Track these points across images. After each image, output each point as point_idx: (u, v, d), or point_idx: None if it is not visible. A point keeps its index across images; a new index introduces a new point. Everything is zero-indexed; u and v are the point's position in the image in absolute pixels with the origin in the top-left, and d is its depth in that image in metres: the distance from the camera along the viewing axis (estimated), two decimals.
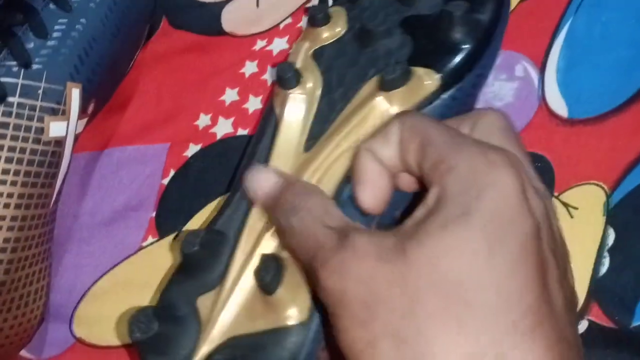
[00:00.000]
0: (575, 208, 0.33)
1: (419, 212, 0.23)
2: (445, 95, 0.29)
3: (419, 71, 0.28)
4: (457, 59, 0.30)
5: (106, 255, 0.35)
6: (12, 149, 0.29)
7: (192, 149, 0.37)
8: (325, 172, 0.28)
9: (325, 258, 0.23)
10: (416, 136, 0.24)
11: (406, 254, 0.22)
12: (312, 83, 0.31)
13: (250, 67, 0.38)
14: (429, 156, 0.24)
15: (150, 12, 0.37)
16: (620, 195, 0.33)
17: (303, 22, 0.38)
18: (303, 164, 0.29)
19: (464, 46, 0.29)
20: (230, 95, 0.37)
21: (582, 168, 0.34)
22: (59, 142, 0.31)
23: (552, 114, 0.35)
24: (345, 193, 0.27)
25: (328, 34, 0.32)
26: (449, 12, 0.29)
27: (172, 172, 0.36)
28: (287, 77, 0.30)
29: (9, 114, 0.29)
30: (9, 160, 0.29)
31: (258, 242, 0.28)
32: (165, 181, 0.36)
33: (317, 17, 0.32)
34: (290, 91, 0.30)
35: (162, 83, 0.38)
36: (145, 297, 0.34)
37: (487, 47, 0.30)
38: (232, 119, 0.37)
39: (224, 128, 0.37)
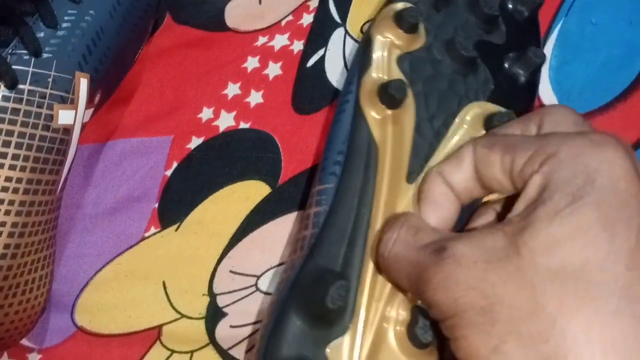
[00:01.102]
0: None
1: (520, 205, 0.22)
2: None
3: (513, 114, 0.29)
4: (528, 103, 0.31)
5: (109, 245, 0.36)
6: (22, 135, 0.29)
7: (195, 142, 0.37)
8: None
9: (428, 277, 0.22)
10: (496, 148, 0.24)
11: (518, 248, 0.20)
12: (409, 101, 0.28)
13: (252, 62, 0.38)
14: (519, 156, 0.23)
15: (155, 7, 0.38)
16: None
17: (304, 19, 0.39)
18: (414, 200, 0.27)
19: (530, 93, 0.32)
20: (232, 89, 0.38)
21: None
22: (67, 130, 0.32)
23: None
24: None
25: (412, 42, 0.30)
26: (533, 60, 0.31)
27: (174, 164, 0.37)
28: (399, 96, 0.27)
29: (20, 101, 0.29)
30: (19, 145, 0.29)
31: (377, 280, 0.26)
32: (168, 173, 0.37)
33: (411, 23, 0.29)
34: (392, 111, 0.28)
35: (165, 77, 0.39)
36: (147, 287, 0.35)
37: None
38: (234, 113, 0.37)
39: (226, 121, 0.37)
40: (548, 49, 0.37)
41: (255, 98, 0.37)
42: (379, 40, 0.30)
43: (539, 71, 0.32)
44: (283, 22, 0.39)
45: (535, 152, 0.22)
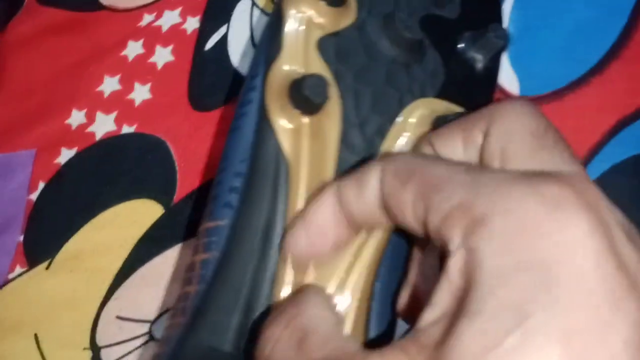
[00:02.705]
0: None
1: (441, 298, 0.16)
2: None
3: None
4: (486, 96, 0.26)
5: None
6: None
7: (65, 155, 0.31)
8: (369, 247, 0.21)
9: None
10: (410, 186, 0.17)
11: None
12: (332, 101, 0.22)
13: (134, 48, 0.32)
14: (437, 207, 0.16)
15: None
16: None
17: None
18: None
19: (489, 84, 0.26)
20: (110, 84, 0.31)
21: None
22: None
23: (502, 91, 0.30)
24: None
25: (338, 18, 0.23)
26: (493, 42, 0.25)
27: (41, 185, 0.31)
28: (318, 101, 0.21)
29: None
30: None
31: None
32: (34, 196, 0.31)
33: None
34: (309, 119, 0.22)
35: (27, 74, 0.32)
36: (15, 341, 0.29)
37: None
38: (114, 114, 0.31)
39: (104, 126, 0.31)
40: (505, 12, 0.31)
41: (140, 93, 0.31)
42: (292, 17, 0.22)
43: (501, 55, 0.26)
44: None
45: (459, 207, 0.15)
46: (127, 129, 0.31)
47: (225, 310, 0.20)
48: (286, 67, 0.22)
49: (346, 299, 0.21)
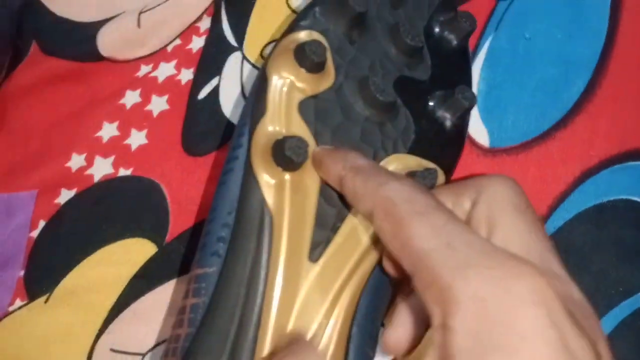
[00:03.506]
0: None
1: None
2: None
3: (439, 171, 0.25)
4: (455, 152, 0.27)
5: None
6: None
7: (65, 195, 0.32)
8: (347, 292, 0.23)
9: None
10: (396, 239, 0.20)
11: None
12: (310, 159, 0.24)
13: (131, 97, 0.33)
14: (419, 277, 0.19)
15: (9, 39, 0.32)
16: (548, 232, 0.30)
17: (194, 43, 0.33)
18: (318, 282, 0.23)
19: (458, 140, 0.28)
20: (108, 130, 0.32)
21: None
22: None
23: (473, 143, 0.31)
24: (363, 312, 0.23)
25: (318, 82, 0.24)
26: (461, 103, 0.26)
27: (42, 223, 0.31)
28: (299, 160, 0.22)
29: None
30: None
31: None
32: (35, 234, 0.31)
33: (315, 62, 0.24)
34: (290, 175, 0.23)
35: (30, 119, 0.33)
36: None
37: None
38: (111, 158, 0.32)
39: (102, 169, 0.32)
40: (475, 70, 0.32)
41: (137, 139, 0.32)
42: (275, 81, 0.24)
43: (468, 114, 0.28)
44: (169, 48, 0.33)
45: (436, 285, 0.18)
46: (123, 172, 0.32)
47: (213, 352, 0.22)
48: (270, 128, 0.24)
49: (325, 342, 0.23)
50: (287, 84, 0.24)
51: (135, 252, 0.30)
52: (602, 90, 0.32)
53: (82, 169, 0.32)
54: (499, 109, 0.32)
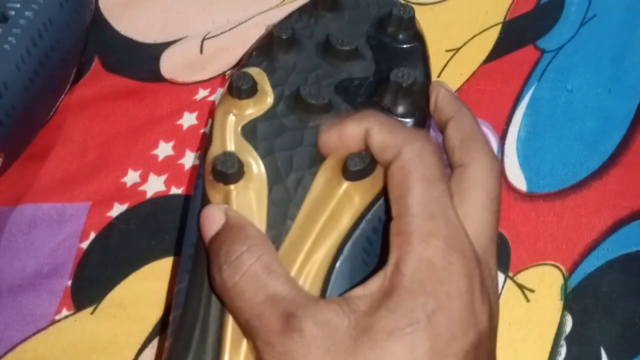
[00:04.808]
0: (532, 291, 0.31)
1: (374, 285, 0.23)
2: None
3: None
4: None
5: (12, 328, 0.31)
6: None
7: (117, 209, 0.33)
8: (306, 278, 0.24)
9: (269, 341, 0.22)
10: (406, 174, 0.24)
11: (356, 349, 0.21)
12: (255, 170, 0.26)
13: (188, 119, 0.34)
14: (399, 221, 0.23)
15: (78, 55, 0.33)
16: (579, 278, 0.31)
17: None
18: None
19: (408, 119, 0.28)
20: (164, 149, 0.34)
21: (540, 247, 0.32)
22: None
23: (511, 188, 0.33)
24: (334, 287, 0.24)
25: (255, 106, 0.27)
26: (398, 83, 0.27)
27: (92, 235, 0.32)
28: (230, 171, 0.25)
29: None
30: None
31: None
32: (85, 245, 0.32)
33: (243, 89, 0.27)
34: (234, 186, 0.26)
35: (88, 132, 0.34)
36: None
37: (427, 116, 0.28)
38: (165, 176, 0.33)
39: (155, 186, 0.33)
40: (517, 118, 0.34)
41: (190, 160, 0.33)
42: (219, 117, 0.27)
43: (412, 93, 0.28)
44: (227, 74, 0.35)
45: (404, 233, 0.23)
46: (175, 191, 0.33)
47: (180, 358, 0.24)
48: (214, 155, 0.26)
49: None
50: (228, 115, 0.27)
51: None
52: (636, 144, 0.33)
53: (136, 185, 0.33)
54: (538, 156, 0.33)
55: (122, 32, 0.36)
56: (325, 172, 0.26)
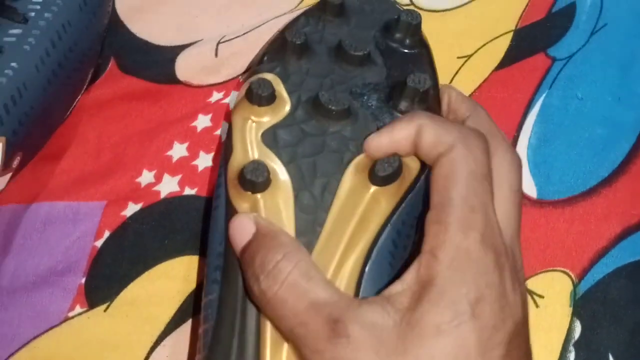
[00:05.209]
0: (541, 296, 0.31)
1: (411, 276, 0.23)
2: (422, 176, 0.26)
3: (405, 159, 0.26)
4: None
5: (26, 325, 0.31)
6: None
7: (132, 208, 0.33)
8: (340, 284, 0.25)
9: (317, 348, 0.22)
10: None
11: (406, 347, 0.21)
12: (281, 177, 0.26)
13: (203, 121, 0.34)
14: (438, 209, 0.23)
15: (95, 57, 0.33)
16: (588, 284, 0.31)
17: None
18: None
19: None
20: (178, 150, 0.34)
21: (549, 253, 0.32)
22: None
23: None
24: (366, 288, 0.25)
25: (274, 113, 0.27)
26: (415, 89, 0.27)
27: (106, 234, 0.33)
28: (260, 180, 0.25)
29: None
30: None
31: None
32: (99, 243, 0.33)
33: (263, 96, 0.27)
34: (261, 194, 0.26)
35: (103, 132, 0.35)
36: None
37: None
38: (179, 177, 0.33)
39: (169, 186, 0.33)
40: (528, 125, 0.34)
41: (204, 161, 0.34)
42: (238, 124, 0.28)
43: (429, 97, 0.28)
44: (241, 78, 0.35)
45: (442, 221, 0.23)
46: (188, 191, 0.33)
47: None
48: (238, 163, 0.26)
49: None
50: (247, 122, 0.27)
51: (194, 269, 0.32)
52: None
53: (150, 185, 0.33)
54: (548, 163, 0.34)
55: (138, 35, 0.36)
56: (351, 178, 0.26)
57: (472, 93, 0.35)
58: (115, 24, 0.36)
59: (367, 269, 0.25)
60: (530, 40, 0.36)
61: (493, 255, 0.23)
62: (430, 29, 0.35)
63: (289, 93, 0.28)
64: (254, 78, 0.28)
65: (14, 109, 0.28)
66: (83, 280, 0.32)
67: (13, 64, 0.28)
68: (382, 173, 0.25)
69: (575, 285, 0.31)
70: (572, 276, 0.32)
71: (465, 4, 0.37)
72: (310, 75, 0.29)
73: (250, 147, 0.27)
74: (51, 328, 0.31)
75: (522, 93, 0.35)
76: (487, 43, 0.36)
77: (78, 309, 0.32)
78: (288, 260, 0.23)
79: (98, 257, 0.32)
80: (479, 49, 0.36)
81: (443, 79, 0.35)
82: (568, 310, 0.31)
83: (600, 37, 0.36)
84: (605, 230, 0.32)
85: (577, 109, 0.34)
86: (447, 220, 0.23)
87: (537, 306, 0.31)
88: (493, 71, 0.35)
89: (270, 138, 0.27)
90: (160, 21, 0.37)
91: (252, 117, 0.27)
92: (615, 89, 0.35)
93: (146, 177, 0.34)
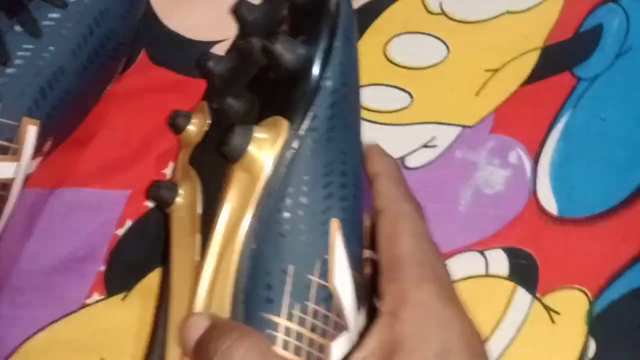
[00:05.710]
0: (557, 313, 0.32)
1: (374, 341, 0.23)
2: (302, 132, 0.25)
3: (265, 123, 0.26)
4: (293, 91, 0.26)
5: (44, 309, 0.31)
6: None
7: None
8: (219, 268, 0.25)
9: None
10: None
11: None
12: (190, 188, 0.29)
13: None
14: (390, 270, 0.25)
15: (129, 46, 0.34)
16: (603, 304, 0.32)
17: None
18: (198, 272, 0.26)
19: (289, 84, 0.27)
20: None
21: (568, 271, 0.32)
22: (5, 185, 0.27)
23: (542, 210, 0.33)
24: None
25: (196, 134, 0.30)
26: (272, 52, 0.26)
27: (128, 223, 0.33)
28: (164, 198, 0.29)
29: None
30: None
31: None
32: (120, 232, 0.33)
33: (177, 124, 0.30)
34: (169, 209, 0.29)
35: (131, 122, 0.35)
36: None
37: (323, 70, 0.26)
38: None
39: None
40: (551, 142, 0.35)
41: None
42: (180, 154, 0.31)
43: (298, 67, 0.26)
44: None
45: (396, 280, 0.24)
46: None
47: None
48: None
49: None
50: (181, 150, 0.31)
51: None
52: None
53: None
54: (569, 181, 0.34)
55: (171, 28, 0.36)
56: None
57: (497, 106, 0.35)
58: (149, 15, 0.36)
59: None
60: (557, 59, 0.36)
61: (450, 304, 0.24)
62: (459, 40, 0.36)
63: (212, 112, 0.31)
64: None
65: (51, 93, 0.28)
66: (102, 268, 0.32)
67: (51, 48, 0.28)
68: (222, 149, 0.25)
69: (591, 304, 0.32)
70: (589, 294, 0.32)
71: (496, 16, 0.37)
72: (224, 87, 0.31)
73: (180, 169, 0.31)
74: (69, 314, 0.32)
75: (547, 110, 0.35)
76: (514, 58, 0.36)
77: (96, 296, 0.32)
78: (241, 341, 0.23)
79: (118, 246, 0.33)
80: (506, 63, 0.36)
81: (470, 90, 0.35)
82: (583, 329, 0.31)
83: (625, 60, 0.36)
84: (623, 251, 0.33)
85: (599, 130, 0.35)
86: (402, 277, 0.24)
87: (553, 322, 0.31)
88: (519, 87, 0.36)
89: (194, 156, 0.30)
90: (194, 16, 0.37)
91: (182, 144, 0.31)
92: (638, 112, 0.35)
93: (171, 169, 0.34)
